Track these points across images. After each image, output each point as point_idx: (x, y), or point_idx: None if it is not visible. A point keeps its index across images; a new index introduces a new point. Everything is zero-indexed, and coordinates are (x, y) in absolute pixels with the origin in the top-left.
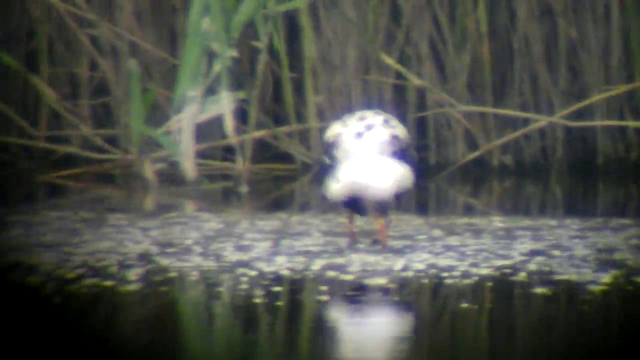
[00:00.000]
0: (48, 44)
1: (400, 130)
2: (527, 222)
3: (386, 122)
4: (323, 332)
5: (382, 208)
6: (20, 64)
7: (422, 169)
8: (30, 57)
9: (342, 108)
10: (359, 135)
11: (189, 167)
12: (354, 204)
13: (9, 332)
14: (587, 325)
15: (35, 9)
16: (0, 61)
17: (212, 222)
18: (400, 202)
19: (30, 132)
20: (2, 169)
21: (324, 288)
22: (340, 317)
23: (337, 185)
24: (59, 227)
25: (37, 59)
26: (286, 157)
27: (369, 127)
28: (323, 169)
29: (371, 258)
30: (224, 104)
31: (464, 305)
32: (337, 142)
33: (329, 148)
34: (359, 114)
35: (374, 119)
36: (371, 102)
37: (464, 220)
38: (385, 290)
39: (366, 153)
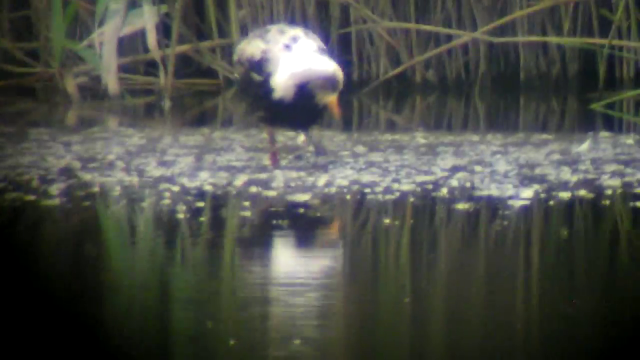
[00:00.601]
0: None
1: (320, 42)
2: (449, 138)
3: (307, 33)
4: (245, 248)
5: (333, 86)
6: None
7: (345, 85)
8: None
9: (265, 23)
10: (288, 47)
11: (111, 81)
12: (302, 97)
13: None
14: (507, 240)
15: None
16: None
17: (134, 138)
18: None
19: None
20: None
21: (246, 204)
22: (263, 234)
23: (285, 79)
24: None
25: None
26: (209, 72)
27: (295, 40)
28: (248, 86)
29: (294, 174)
30: (147, 18)
31: (386, 220)
32: (265, 57)
33: (256, 65)
34: (273, 28)
35: (294, 31)
36: (294, 17)
37: (387, 136)
38: (307, 206)
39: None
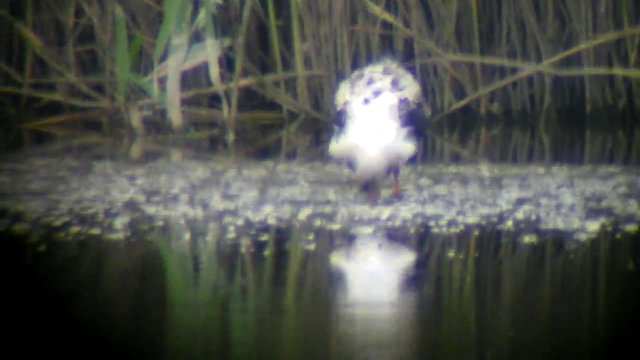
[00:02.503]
0: None
1: (409, 91)
2: (514, 170)
3: (394, 83)
4: (309, 280)
5: (373, 178)
6: (5, 10)
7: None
8: (16, 3)
9: (329, 56)
10: (366, 101)
11: (174, 114)
12: (351, 166)
13: None
14: (573, 273)
15: None
16: None
17: (198, 171)
18: (396, 173)
19: (15, 79)
20: None
21: (310, 237)
22: (327, 266)
23: (336, 146)
24: (45, 175)
25: (23, 5)
26: (272, 105)
27: (377, 93)
28: (331, 133)
29: (358, 207)
30: (210, 52)
31: (450, 253)
32: (345, 109)
33: (338, 115)
34: (368, 74)
35: (382, 82)
36: (358, 51)
37: (452, 168)
38: (372, 239)
39: (371, 120)
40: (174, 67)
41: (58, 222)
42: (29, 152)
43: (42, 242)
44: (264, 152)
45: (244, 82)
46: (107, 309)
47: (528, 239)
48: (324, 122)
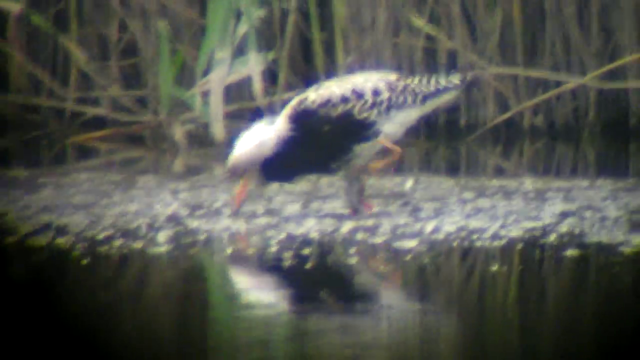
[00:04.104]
0: (77, 4)
1: (320, 92)
2: (558, 183)
3: (317, 87)
4: (351, 295)
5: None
6: (50, 25)
7: (453, 131)
8: (60, 17)
9: (373, 69)
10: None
11: (218, 128)
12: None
13: (40, 293)
14: (618, 287)
15: None
16: (30, 21)
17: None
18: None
19: (59, 93)
20: (32, 130)
21: (353, 250)
22: (369, 280)
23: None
24: (88, 188)
25: (67, 20)
26: None
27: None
28: None
29: (401, 220)
30: (253, 65)
31: (494, 267)
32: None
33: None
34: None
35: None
36: (401, 64)
37: (495, 182)
38: (415, 253)
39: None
40: (217, 80)
41: (101, 236)
42: (72, 166)
43: (85, 256)
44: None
45: (287, 95)
46: (150, 324)
47: (572, 252)
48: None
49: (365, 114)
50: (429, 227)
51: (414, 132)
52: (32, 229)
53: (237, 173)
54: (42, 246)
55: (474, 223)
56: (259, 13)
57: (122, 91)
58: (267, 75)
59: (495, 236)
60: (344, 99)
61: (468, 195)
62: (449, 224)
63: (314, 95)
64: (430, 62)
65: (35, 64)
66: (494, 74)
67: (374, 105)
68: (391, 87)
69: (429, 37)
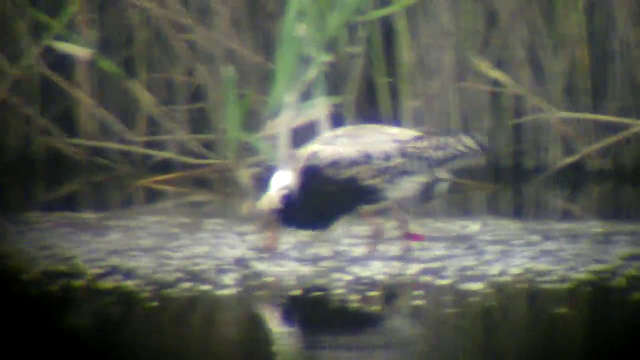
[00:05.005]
0: (145, 49)
1: (318, 150)
2: (626, 227)
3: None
4: (416, 337)
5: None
6: (118, 69)
7: (520, 174)
8: (128, 62)
9: (438, 113)
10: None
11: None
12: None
13: (107, 336)
14: None
15: (133, 14)
16: (100, 66)
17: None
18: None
19: (128, 136)
20: (100, 173)
21: (419, 293)
22: (434, 323)
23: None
24: (156, 231)
25: (135, 65)
26: None
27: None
28: None
29: (468, 262)
30: (320, 109)
31: (562, 310)
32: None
33: None
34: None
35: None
36: (468, 108)
37: (561, 225)
38: (481, 296)
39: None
40: (284, 124)
41: (169, 278)
42: (140, 209)
43: (153, 298)
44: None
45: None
46: None
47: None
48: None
49: (372, 181)
50: (495, 269)
51: (481, 175)
52: (100, 272)
53: (263, 218)
54: (110, 289)
55: (541, 266)
56: (326, 57)
57: (189, 135)
58: (333, 119)
59: (562, 279)
60: (352, 163)
61: (534, 238)
62: (515, 267)
63: (325, 152)
64: (496, 106)
65: (104, 109)
66: (561, 117)
67: (382, 171)
68: (403, 152)
69: (494, 82)
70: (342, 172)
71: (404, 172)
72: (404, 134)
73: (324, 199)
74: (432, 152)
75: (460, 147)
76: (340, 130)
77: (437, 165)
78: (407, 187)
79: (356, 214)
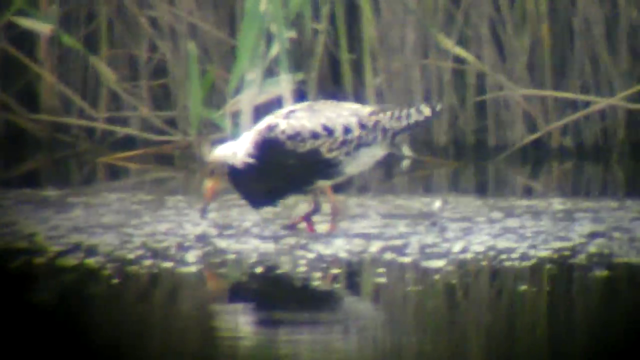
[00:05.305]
0: (107, 25)
1: (290, 122)
2: (587, 204)
3: (289, 113)
4: (379, 315)
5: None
6: (80, 45)
7: (482, 151)
8: (90, 38)
9: (401, 90)
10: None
11: None
12: None
13: (70, 313)
14: None
15: None
16: (61, 42)
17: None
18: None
19: (90, 113)
20: (62, 150)
21: (381, 270)
22: (397, 300)
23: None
24: (118, 208)
25: (97, 40)
26: None
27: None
28: None
29: (429, 240)
30: (283, 86)
31: (522, 287)
32: None
33: None
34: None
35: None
36: (430, 85)
37: (523, 202)
38: (443, 273)
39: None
40: (247, 101)
41: (131, 256)
42: (102, 186)
43: (115, 275)
44: (335, 186)
45: None
46: (178, 344)
47: (601, 273)
48: (396, 156)
49: (333, 153)
50: (457, 247)
51: (443, 152)
52: (62, 249)
53: (211, 171)
54: (72, 266)
55: (503, 243)
56: (289, 34)
57: (152, 111)
58: (296, 95)
59: (524, 256)
60: (314, 135)
61: (496, 215)
62: (477, 244)
63: (284, 124)
64: (459, 83)
65: (66, 85)
66: (523, 95)
67: (343, 143)
68: (362, 124)
69: (457, 59)
70: (303, 144)
71: (363, 144)
72: (360, 108)
73: (279, 173)
74: (390, 123)
75: (416, 116)
76: (296, 106)
77: (395, 135)
78: (365, 160)
79: (308, 190)
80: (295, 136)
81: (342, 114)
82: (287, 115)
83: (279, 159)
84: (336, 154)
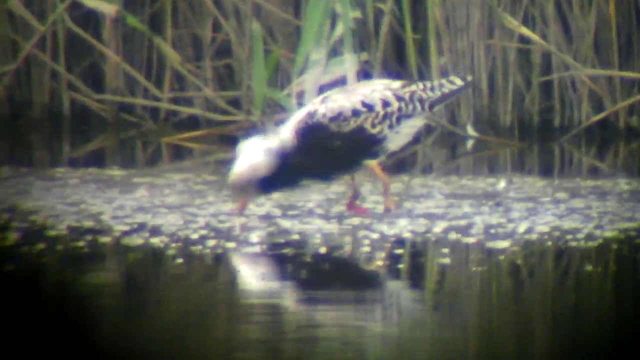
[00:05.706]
0: (172, 5)
1: (330, 106)
2: None
3: (325, 99)
4: (442, 296)
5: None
6: (145, 26)
7: (547, 132)
8: (155, 19)
9: (466, 70)
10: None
11: None
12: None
13: (135, 292)
14: None
15: None
16: (126, 23)
17: (334, 185)
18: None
19: (154, 93)
20: (127, 130)
21: (446, 251)
22: (461, 281)
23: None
24: (182, 189)
25: (161, 21)
26: None
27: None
28: None
29: (494, 220)
30: (348, 66)
31: (588, 268)
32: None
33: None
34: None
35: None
36: (495, 65)
37: (589, 182)
38: (508, 254)
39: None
40: (311, 81)
41: (195, 235)
42: (166, 167)
43: (179, 255)
44: (400, 166)
45: None
46: (243, 324)
47: None
48: (460, 136)
49: (377, 128)
50: (522, 227)
51: (508, 132)
52: (127, 228)
53: (237, 189)
54: (137, 246)
55: (568, 223)
56: (354, 14)
57: (215, 92)
58: (361, 75)
59: (589, 237)
60: (356, 112)
61: (562, 195)
62: (542, 225)
63: (324, 108)
64: (524, 62)
65: (130, 65)
66: (589, 75)
67: (385, 117)
68: (399, 97)
69: (522, 38)
70: (347, 123)
71: (403, 116)
72: (391, 82)
73: (327, 157)
74: (425, 93)
75: (449, 86)
76: (327, 93)
77: (432, 105)
78: (407, 132)
79: (357, 171)
80: (338, 117)
81: (377, 89)
82: (323, 101)
83: (325, 143)
84: (380, 128)
